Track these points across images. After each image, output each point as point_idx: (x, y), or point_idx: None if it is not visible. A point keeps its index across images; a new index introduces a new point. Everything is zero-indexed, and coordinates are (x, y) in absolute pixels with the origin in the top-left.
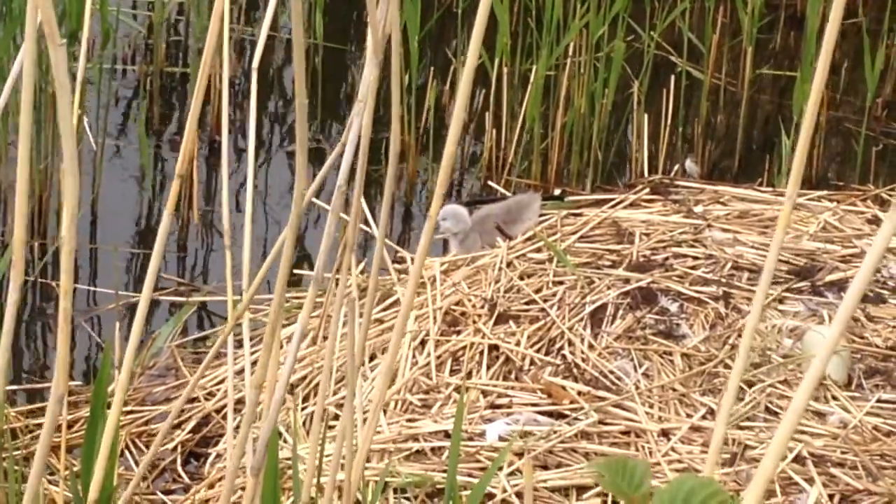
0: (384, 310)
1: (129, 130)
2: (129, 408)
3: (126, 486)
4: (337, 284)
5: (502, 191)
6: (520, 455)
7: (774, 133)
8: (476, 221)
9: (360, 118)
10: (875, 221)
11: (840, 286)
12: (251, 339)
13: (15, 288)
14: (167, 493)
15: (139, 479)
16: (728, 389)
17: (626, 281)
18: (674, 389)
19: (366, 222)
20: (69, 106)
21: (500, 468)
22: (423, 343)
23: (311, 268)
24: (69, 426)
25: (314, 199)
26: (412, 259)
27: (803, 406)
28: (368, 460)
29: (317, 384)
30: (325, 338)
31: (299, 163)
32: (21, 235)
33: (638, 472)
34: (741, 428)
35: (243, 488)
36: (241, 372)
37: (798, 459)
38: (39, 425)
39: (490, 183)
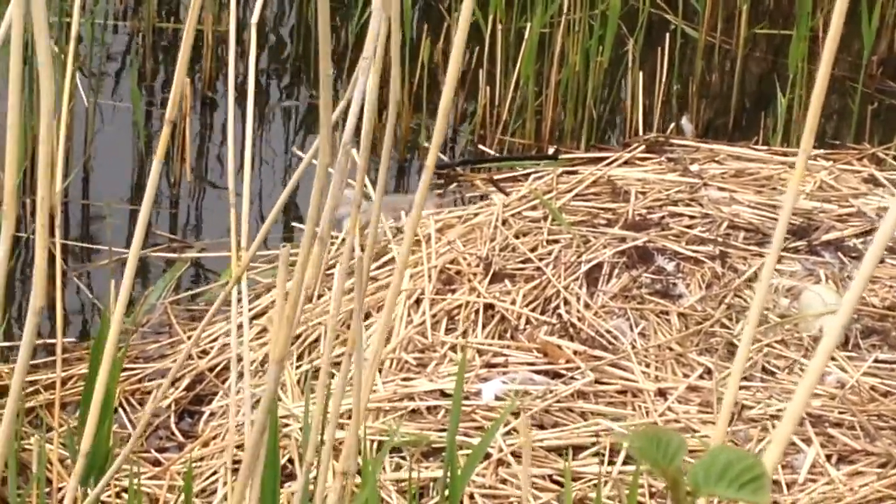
0: (378, 268)
1: (121, 87)
2: (122, 365)
3: (122, 444)
4: (334, 244)
5: (492, 153)
6: (516, 414)
7: (769, 92)
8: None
9: (365, 75)
10: (872, 181)
11: (837, 245)
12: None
13: (6, 238)
14: (161, 450)
15: (138, 435)
16: (737, 356)
17: (622, 240)
18: (670, 349)
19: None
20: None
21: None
22: (418, 301)
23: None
24: (63, 383)
25: (304, 154)
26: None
27: (822, 368)
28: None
29: (312, 342)
30: (319, 296)
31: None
32: (12, 187)
33: (672, 445)
34: (738, 388)
35: (239, 446)
36: (237, 329)
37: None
38: (32, 382)
39: (482, 147)
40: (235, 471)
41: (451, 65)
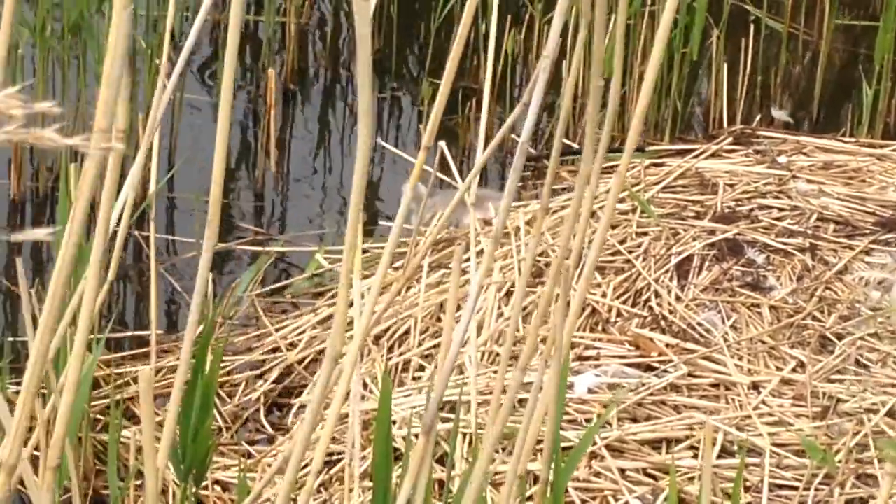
0: (465, 261)
1: (203, 80)
2: (210, 358)
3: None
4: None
5: (575, 146)
6: (608, 407)
7: (852, 83)
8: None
9: (545, 74)
10: None
11: None
12: (330, 293)
13: (209, 247)
14: (251, 443)
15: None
16: None
17: (712, 232)
18: (762, 342)
19: (444, 171)
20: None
21: (589, 420)
22: (508, 294)
23: (389, 218)
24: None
25: (390, 147)
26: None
27: None
28: (452, 411)
29: (401, 335)
30: (407, 289)
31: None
32: (218, 194)
33: None
34: (831, 381)
35: (333, 438)
36: (322, 322)
37: (890, 413)
38: (121, 374)
39: (565, 141)
40: (335, 462)
41: (648, 74)
